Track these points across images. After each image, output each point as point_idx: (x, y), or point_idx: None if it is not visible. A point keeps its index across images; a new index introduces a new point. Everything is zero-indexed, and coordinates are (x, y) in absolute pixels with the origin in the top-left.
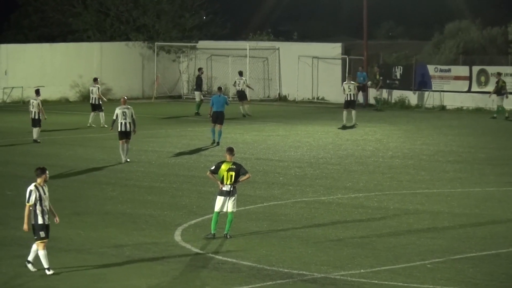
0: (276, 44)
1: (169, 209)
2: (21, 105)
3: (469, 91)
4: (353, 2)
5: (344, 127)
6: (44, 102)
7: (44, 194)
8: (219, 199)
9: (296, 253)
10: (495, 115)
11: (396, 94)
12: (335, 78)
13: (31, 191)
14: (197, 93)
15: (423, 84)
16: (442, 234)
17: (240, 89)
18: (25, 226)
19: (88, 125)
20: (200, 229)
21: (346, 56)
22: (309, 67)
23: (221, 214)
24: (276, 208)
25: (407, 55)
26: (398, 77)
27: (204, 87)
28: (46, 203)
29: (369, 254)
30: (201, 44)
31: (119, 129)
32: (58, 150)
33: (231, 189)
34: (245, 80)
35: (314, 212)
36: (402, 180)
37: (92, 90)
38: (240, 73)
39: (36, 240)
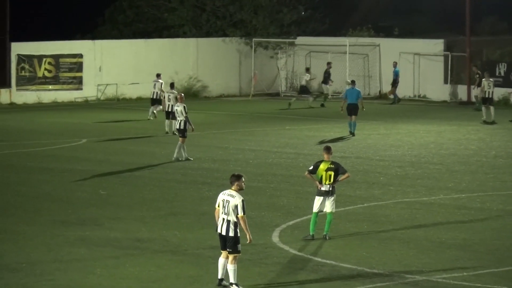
0: (377, 40)
1: (267, 210)
2: (116, 103)
3: None
4: None
5: (485, 122)
6: (139, 100)
7: None
8: (318, 199)
9: (397, 255)
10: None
11: (500, 91)
12: (437, 75)
13: (244, 200)
14: (324, 86)
15: None
16: None
17: (304, 84)
18: (251, 237)
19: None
20: (299, 230)
21: (449, 53)
22: (411, 64)
23: (320, 215)
24: (376, 209)
25: (511, 51)
26: (502, 74)
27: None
28: None
29: (471, 256)
30: (300, 40)
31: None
32: (153, 149)
33: (330, 189)
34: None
35: (415, 213)
36: (506, 180)
37: (155, 85)
38: (307, 70)
39: (232, 253)
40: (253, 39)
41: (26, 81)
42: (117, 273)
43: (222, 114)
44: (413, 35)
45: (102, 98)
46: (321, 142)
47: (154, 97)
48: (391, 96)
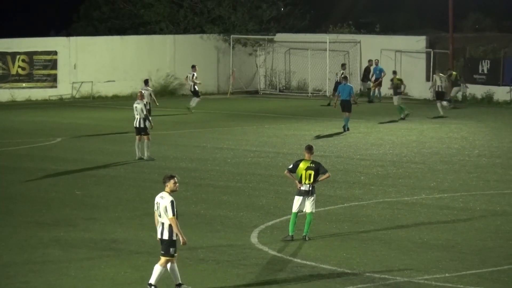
0: (358, 37)
1: (245, 210)
2: (91, 101)
3: None
4: None
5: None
6: (115, 98)
7: None
8: (297, 199)
9: (378, 256)
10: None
11: (483, 89)
12: (419, 72)
13: (173, 201)
14: (364, 84)
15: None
16: None
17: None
18: (185, 239)
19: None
20: (278, 230)
21: (431, 50)
22: (392, 61)
23: (300, 215)
24: (357, 209)
25: (495, 48)
26: (485, 71)
27: (283, 82)
28: None
29: (454, 257)
30: (279, 37)
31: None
32: (129, 148)
33: (310, 188)
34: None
35: (397, 213)
36: (490, 180)
37: (187, 77)
38: (341, 68)
39: (164, 255)
40: (232, 36)
41: None
42: (92, 274)
43: (200, 112)
44: (395, 32)
45: (77, 96)
46: (306, 140)
47: (191, 89)
48: (373, 92)
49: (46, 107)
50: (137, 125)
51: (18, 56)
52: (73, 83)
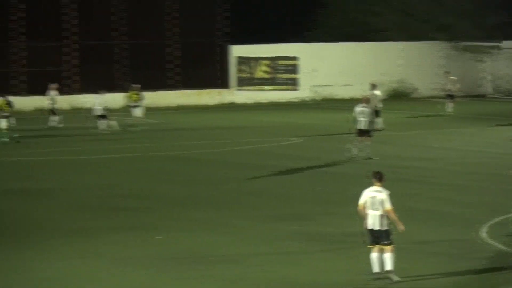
0: None
1: (473, 207)
2: (329, 103)
3: None
4: None
5: None
6: (352, 100)
7: None
8: None
9: None
10: None
11: None
12: None
13: (389, 195)
14: None
15: None
16: None
17: None
18: (403, 227)
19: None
20: (506, 227)
21: None
22: None
23: None
24: None
25: None
26: None
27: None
28: None
29: None
30: (506, 43)
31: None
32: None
33: None
34: None
35: None
36: None
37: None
38: None
39: (390, 244)
40: (459, 43)
41: (245, 82)
42: (329, 266)
43: (429, 114)
44: None
45: (316, 98)
46: None
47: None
48: None
49: (288, 109)
50: (363, 127)
51: (262, 61)
52: (313, 86)
